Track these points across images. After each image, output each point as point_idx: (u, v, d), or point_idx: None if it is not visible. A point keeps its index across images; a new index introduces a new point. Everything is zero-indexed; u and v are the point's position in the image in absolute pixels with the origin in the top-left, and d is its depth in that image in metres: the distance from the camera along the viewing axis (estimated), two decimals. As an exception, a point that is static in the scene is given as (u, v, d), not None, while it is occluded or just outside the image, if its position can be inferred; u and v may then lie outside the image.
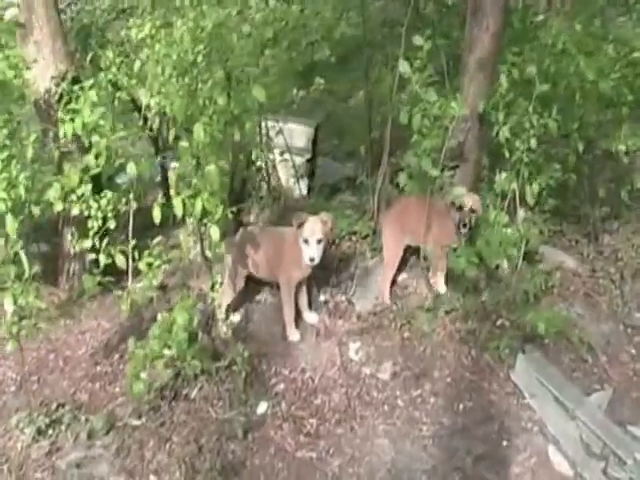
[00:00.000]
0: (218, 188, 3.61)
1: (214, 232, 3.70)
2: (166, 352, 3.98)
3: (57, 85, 4.77)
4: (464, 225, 4.49)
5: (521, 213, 4.79)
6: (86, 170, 4.03)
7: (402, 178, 4.53)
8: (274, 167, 6.29)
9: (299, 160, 6.44)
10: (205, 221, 3.75)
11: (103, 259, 3.82)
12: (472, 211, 4.50)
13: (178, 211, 3.61)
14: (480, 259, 4.43)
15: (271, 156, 6.18)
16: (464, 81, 4.71)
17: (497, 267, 4.75)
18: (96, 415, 4.13)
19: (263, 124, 6.08)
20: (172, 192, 3.75)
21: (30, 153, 3.94)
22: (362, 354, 4.48)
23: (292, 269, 4.49)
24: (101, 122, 3.91)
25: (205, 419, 4.07)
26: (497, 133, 4.53)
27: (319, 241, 4.22)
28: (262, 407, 4.12)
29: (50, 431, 4.08)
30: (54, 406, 4.31)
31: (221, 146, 3.93)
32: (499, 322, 4.54)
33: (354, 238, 5.59)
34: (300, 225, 4.25)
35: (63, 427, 4.10)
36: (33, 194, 4.01)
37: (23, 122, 4.45)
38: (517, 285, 4.65)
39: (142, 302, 4.40)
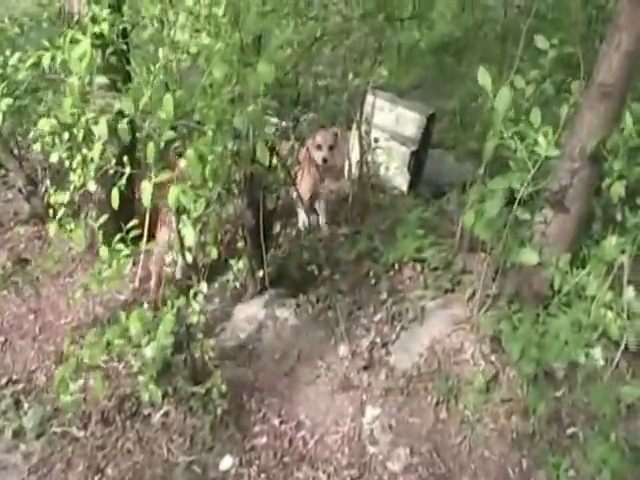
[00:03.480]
0: (202, 178, 2.61)
1: (188, 234, 2.76)
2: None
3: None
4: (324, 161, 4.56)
5: (630, 292, 3.56)
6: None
7: (468, 217, 3.45)
8: (370, 151, 5.37)
9: (402, 150, 5.50)
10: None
11: (53, 229, 2.95)
12: (330, 147, 4.57)
13: (145, 200, 2.66)
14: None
15: (372, 137, 5.35)
16: (581, 109, 3.51)
17: (587, 355, 3.56)
18: (33, 410, 3.34)
19: (370, 99, 5.41)
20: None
21: (22, 76, 3.14)
22: (378, 426, 3.41)
23: None
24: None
25: (154, 456, 3.17)
26: (609, 187, 3.42)
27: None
28: (227, 462, 3.16)
29: (-22, 415, 3.35)
30: (3, 381, 3.61)
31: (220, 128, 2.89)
32: (570, 431, 3.40)
33: (419, 267, 4.43)
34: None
35: (-4, 414, 3.37)
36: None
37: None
38: (609, 388, 3.45)
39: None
